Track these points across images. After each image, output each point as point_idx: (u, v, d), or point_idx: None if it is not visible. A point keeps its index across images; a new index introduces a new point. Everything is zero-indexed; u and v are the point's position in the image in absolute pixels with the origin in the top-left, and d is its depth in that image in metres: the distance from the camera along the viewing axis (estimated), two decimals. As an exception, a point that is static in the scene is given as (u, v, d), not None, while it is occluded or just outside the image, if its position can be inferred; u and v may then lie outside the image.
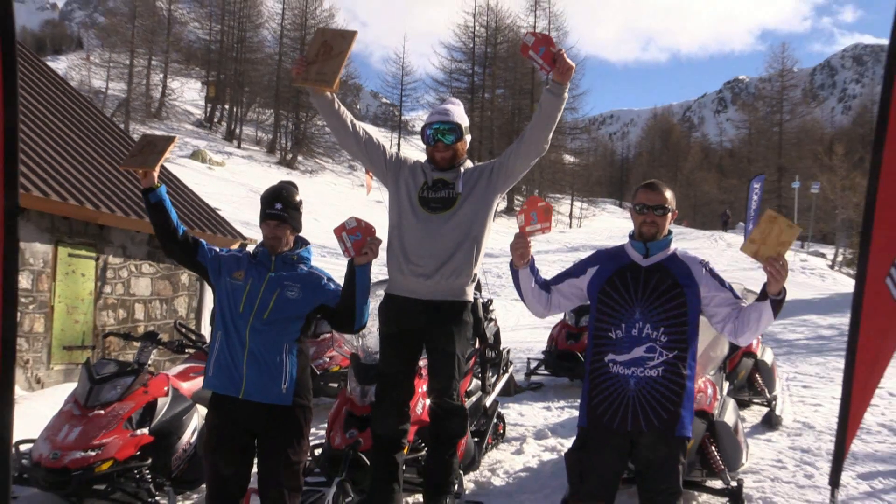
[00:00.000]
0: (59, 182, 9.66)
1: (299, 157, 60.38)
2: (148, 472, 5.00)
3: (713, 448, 5.10)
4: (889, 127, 3.20)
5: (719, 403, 5.44)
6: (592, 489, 3.55)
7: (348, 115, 4.38)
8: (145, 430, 5.05)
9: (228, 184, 39.25)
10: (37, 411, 6.77)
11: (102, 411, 5.00)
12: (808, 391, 9.00)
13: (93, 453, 4.74)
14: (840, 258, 41.30)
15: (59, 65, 58.65)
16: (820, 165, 55.39)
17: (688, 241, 37.01)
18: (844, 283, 26.77)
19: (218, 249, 4.03)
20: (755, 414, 7.71)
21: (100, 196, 10.32)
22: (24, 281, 8.84)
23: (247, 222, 22.60)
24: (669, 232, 3.64)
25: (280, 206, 3.85)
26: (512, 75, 69.17)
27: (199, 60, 67.69)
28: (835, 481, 3.57)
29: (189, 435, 5.30)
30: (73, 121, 12.45)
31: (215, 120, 64.17)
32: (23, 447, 5.10)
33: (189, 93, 64.14)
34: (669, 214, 3.61)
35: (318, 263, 4.08)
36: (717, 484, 5.16)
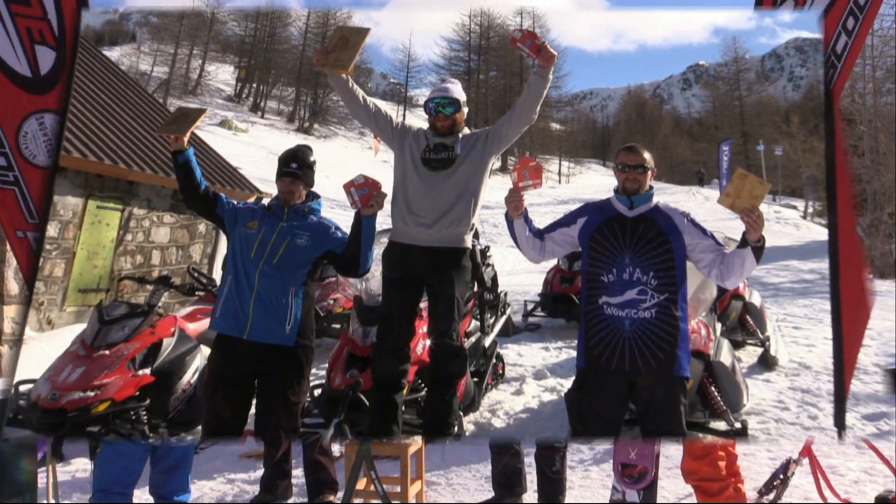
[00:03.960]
0: (98, 145, 9.28)
1: (315, 125, 61.10)
2: (144, 413, 4.47)
3: (713, 389, 4.58)
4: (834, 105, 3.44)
5: (714, 344, 4.87)
6: (593, 429, 3.35)
7: (360, 92, 4.20)
8: (147, 371, 4.54)
9: (250, 147, 38.93)
10: (44, 352, 6.14)
11: (107, 352, 4.52)
12: (800, 332, 8.26)
13: (91, 394, 4.28)
14: (811, 210, 40.07)
15: (113, 53, 58.78)
16: (780, 132, 54.38)
17: (668, 195, 35.90)
18: (818, 232, 25.41)
19: (236, 202, 3.87)
20: (750, 355, 7.02)
21: (133, 157, 9.88)
22: (51, 230, 8.30)
23: (264, 179, 21.94)
24: (651, 187, 3.44)
25: (295, 166, 3.75)
26: (504, 61, 69.51)
27: (233, 50, 69.91)
28: (840, 422, 3.44)
29: (190, 375, 4.78)
30: (118, 96, 11.98)
31: (243, 96, 65.74)
32: (22, 388, 4.55)
33: (223, 74, 65.96)
34: (649, 172, 3.43)
35: (327, 215, 3.94)
36: (720, 425, 4.61)
